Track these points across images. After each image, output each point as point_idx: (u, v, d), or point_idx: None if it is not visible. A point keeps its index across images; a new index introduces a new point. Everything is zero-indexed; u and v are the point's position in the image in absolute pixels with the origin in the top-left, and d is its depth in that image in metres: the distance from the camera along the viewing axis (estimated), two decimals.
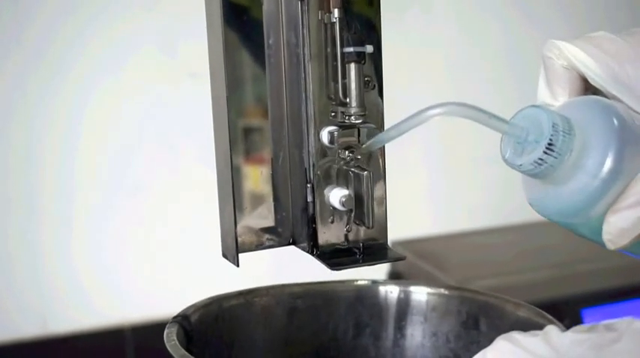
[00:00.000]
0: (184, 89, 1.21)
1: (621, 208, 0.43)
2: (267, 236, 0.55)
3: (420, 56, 1.33)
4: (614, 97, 0.45)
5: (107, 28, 1.19)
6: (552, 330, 0.40)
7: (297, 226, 0.54)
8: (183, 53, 1.21)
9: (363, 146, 0.52)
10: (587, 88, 0.47)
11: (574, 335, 0.39)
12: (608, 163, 0.43)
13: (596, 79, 0.45)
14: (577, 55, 0.46)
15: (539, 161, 0.43)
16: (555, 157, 0.43)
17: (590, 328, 0.40)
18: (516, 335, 0.40)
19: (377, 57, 0.52)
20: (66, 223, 1.23)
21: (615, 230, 0.44)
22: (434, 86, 1.35)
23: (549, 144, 0.43)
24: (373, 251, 0.54)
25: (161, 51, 1.22)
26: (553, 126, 0.43)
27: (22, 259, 1.22)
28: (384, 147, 0.53)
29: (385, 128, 0.52)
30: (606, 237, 0.44)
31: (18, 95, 1.17)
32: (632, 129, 0.43)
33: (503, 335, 0.40)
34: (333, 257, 0.53)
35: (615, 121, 0.43)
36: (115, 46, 1.20)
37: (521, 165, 0.44)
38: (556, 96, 0.47)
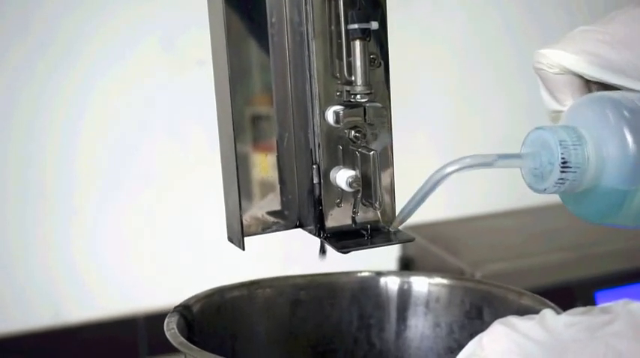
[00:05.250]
0: (192, 77, 1.21)
1: None
2: (273, 219, 0.54)
3: (426, 40, 1.33)
4: (615, 85, 0.46)
5: (114, 15, 1.19)
6: (548, 313, 0.40)
7: (303, 209, 0.54)
8: (191, 41, 1.20)
9: (394, 222, 0.51)
10: (589, 82, 0.48)
11: (569, 318, 0.39)
12: (630, 148, 0.43)
13: (592, 75, 0.46)
14: (565, 58, 0.47)
15: (561, 181, 0.44)
16: (574, 171, 0.44)
17: (586, 310, 0.40)
18: (512, 319, 0.40)
19: (382, 34, 0.50)
20: (76, 214, 1.23)
21: None
22: (439, 72, 1.34)
23: (563, 163, 0.44)
24: (381, 233, 0.53)
25: (168, 39, 1.21)
26: (561, 144, 0.44)
27: (33, 250, 1.22)
28: (391, 131, 0.52)
29: (392, 106, 0.51)
30: None
31: (22, 85, 1.17)
32: (638, 113, 0.44)
33: (499, 320, 0.40)
34: (341, 239, 0.52)
35: (623, 111, 0.44)
36: (122, 33, 1.20)
37: (545, 189, 0.45)
38: (561, 102, 0.48)
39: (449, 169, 0.45)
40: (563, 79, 0.48)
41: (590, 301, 1.06)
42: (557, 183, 0.44)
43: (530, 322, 0.39)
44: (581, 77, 0.47)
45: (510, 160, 0.46)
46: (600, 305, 0.40)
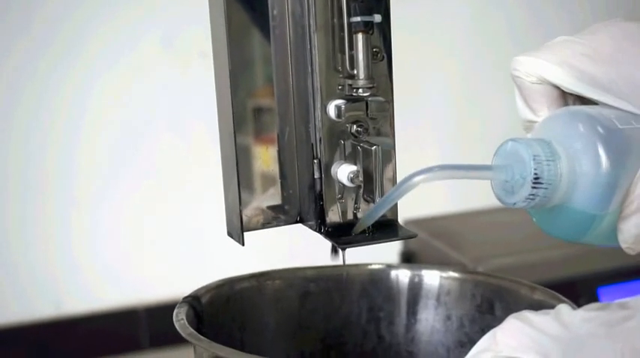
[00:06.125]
0: (193, 73, 1.20)
1: (629, 214, 0.43)
2: (273, 214, 0.53)
3: (428, 38, 1.33)
4: (594, 100, 0.45)
5: (115, 12, 1.19)
6: (564, 308, 0.39)
7: (304, 204, 0.53)
8: (192, 38, 1.20)
9: (357, 224, 0.51)
10: (566, 94, 0.47)
11: (585, 313, 0.38)
12: (603, 167, 0.43)
13: (572, 88, 0.45)
14: (545, 69, 0.45)
15: (531, 196, 0.43)
16: (546, 188, 0.43)
17: (603, 306, 0.39)
18: (527, 313, 0.39)
19: (385, 27, 0.50)
20: (77, 207, 1.22)
21: (630, 237, 0.43)
22: (441, 68, 1.34)
23: (535, 178, 0.43)
24: (383, 228, 0.52)
25: (169, 37, 1.21)
26: (534, 159, 0.43)
27: (34, 242, 1.21)
28: (394, 126, 0.52)
29: (394, 100, 0.51)
30: (624, 245, 0.44)
31: (24, 81, 1.17)
32: (615, 132, 0.43)
33: (514, 314, 0.40)
34: (342, 235, 0.51)
35: (598, 128, 0.43)
36: (123, 30, 1.20)
37: (515, 203, 0.44)
38: (536, 113, 0.47)
39: (417, 178, 0.44)
40: (540, 88, 0.46)
41: (592, 297, 1.05)
42: (527, 198, 0.43)
43: (545, 317, 0.39)
44: (558, 88, 0.46)
45: (481, 172, 0.45)
46: (618, 301, 0.39)
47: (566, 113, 0.45)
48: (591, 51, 0.45)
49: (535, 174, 0.43)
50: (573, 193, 0.43)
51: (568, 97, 0.47)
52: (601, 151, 0.43)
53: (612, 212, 0.43)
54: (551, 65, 0.45)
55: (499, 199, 0.45)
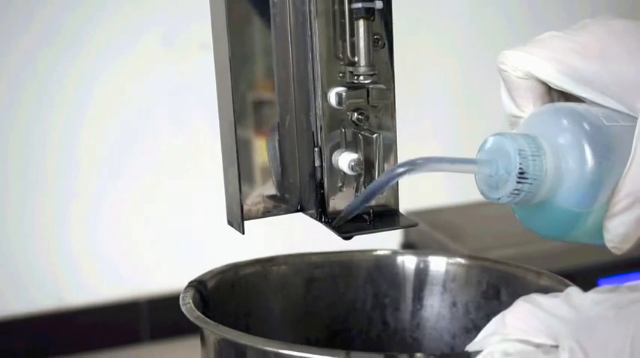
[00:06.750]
0: (194, 66, 1.20)
1: (616, 213, 0.42)
2: (273, 203, 0.53)
3: (428, 34, 1.32)
4: (580, 97, 0.45)
5: (117, 8, 1.19)
6: (573, 291, 0.39)
7: (304, 192, 0.53)
8: (193, 32, 1.19)
9: (339, 216, 0.50)
10: (552, 90, 0.46)
11: (595, 295, 0.38)
12: (589, 164, 0.42)
13: (559, 84, 0.45)
14: (533, 64, 0.45)
15: (516, 191, 0.43)
16: (531, 183, 0.42)
17: (613, 289, 0.39)
18: (537, 296, 0.39)
19: (387, 13, 0.49)
20: (79, 201, 1.22)
21: (616, 236, 0.43)
22: (441, 64, 1.34)
23: (520, 173, 0.42)
24: (384, 217, 0.52)
25: (170, 35, 1.21)
26: (519, 154, 0.42)
27: (36, 235, 1.21)
28: (395, 114, 0.51)
29: (395, 87, 0.51)
30: (610, 245, 0.44)
31: (26, 75, 1.17)
32: (602, 129, 0.43)
33: (523, 297, 0.39)
34: (342, 223, 0.51)
35: (585, 125, 0.43)
36: (124, 24, 1.19)
37: (499, 198, 0.43)
38: (521, 108, 0.47)
39: (399, 170, 0.43)
40: (526, 83, 0.46)
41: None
42: (512, 194, 0.43)
43: (555, 299, 0.38)
44: (544, 84, 0.46)
45: (465, 165, 0.44)
46: (627, 284, 0.39)
47: (552, 109, 0.45)
48: (580, 47, 0.44)
49: (520, 168, 0.42)
50: (558, 190, 0.43)
51: (554, 93, 0.47)
52: (587, 148, 0.42)
53: (598, 210, 0.43)
54: (538, 60, 0.45)
55: (483, 194, 0.44)
